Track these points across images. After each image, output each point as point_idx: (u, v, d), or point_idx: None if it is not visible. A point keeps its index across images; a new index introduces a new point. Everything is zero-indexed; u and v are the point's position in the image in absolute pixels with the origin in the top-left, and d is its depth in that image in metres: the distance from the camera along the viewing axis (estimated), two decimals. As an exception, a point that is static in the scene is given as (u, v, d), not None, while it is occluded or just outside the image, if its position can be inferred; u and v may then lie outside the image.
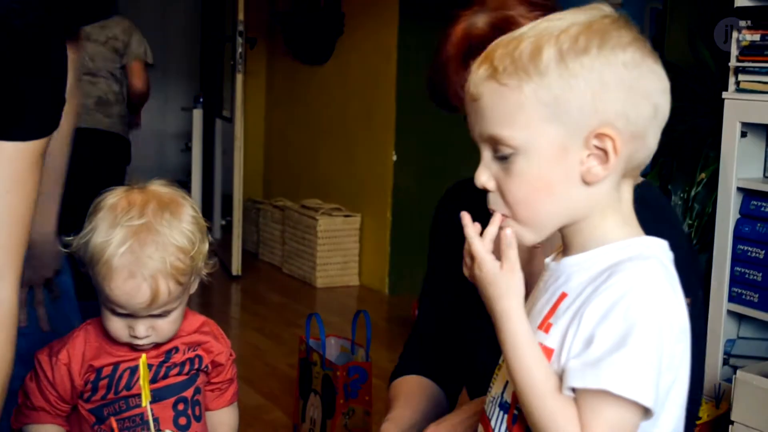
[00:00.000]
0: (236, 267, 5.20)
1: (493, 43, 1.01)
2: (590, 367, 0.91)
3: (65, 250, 1.38)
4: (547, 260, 1.04)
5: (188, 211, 1.37)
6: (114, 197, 1.36)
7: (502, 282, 0.98)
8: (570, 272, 1.00)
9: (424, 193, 4.93)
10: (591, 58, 0.95)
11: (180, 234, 1.34)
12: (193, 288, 1.41)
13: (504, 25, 1.30)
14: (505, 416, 1.03)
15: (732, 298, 2.85)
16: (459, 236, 1.49)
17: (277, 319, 4.52)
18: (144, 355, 1.27)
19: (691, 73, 3.23)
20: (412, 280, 4.82)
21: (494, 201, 1.01)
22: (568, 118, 0.95)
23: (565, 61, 0.95)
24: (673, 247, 1.31)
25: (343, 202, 5.24)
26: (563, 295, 0.99)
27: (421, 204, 4.92)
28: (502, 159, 0.98)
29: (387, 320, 4.48)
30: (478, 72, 1.00)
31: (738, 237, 2.84)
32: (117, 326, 1.36)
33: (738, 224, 2.85)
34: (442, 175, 4.92)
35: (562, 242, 1.03)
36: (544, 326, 0.99)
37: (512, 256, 0.98)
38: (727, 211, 2.84)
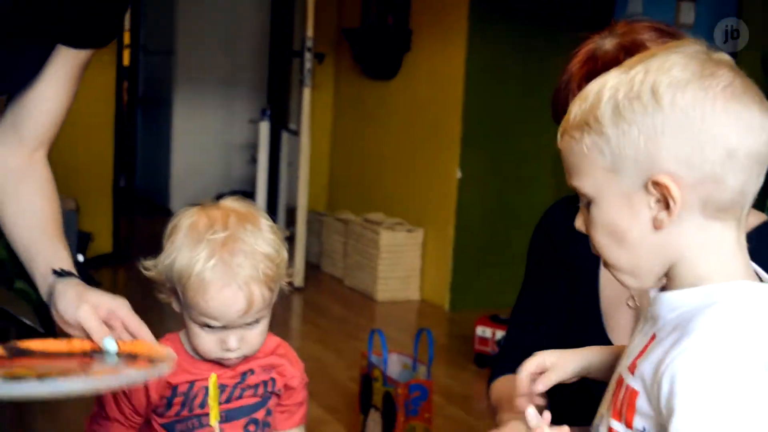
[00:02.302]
0: (299, 278, 5.25)
1: (575, 98, 1.02)
2: None
3: (148, 274, 1.41)
4: (652, 292, 1.03)
5: (266, 222, 1.41)
6: (190, 216, 1.39)
7: None
8: (660, 312, 0.99)
9: (487, 210, 4.93)
10: (643, 104, 0.94)
11: (264, 243, 1.37)
12: (274, 299, 1.43)
13: (633, 48, 1.32)
14: None
15: None
16: (557, 251, 1.50)
17: (338, 332, 4.55)
18: (214, 375, 1.29)
19: (765, 93, 3.18)
20: (473, 297, 4.82)
21: (591, 246, 1.04)
22: (626, 166, 0.95)
23: (619, 109, 0.95)
24: None
25: (406, 217, 5.26)
26: (653, 338, 0.99)
27: (483, 221, 4.93)
28: (587, 206, 1.01)
29: (447, 337, 4.48)
30: (561, 126, 1.03)
31: None
32: (208, 341, 1.38)
33: None
34: (505, 194, 4.94)
35: (666, 279, 1.01)
36: (632, 367, 1.00)
37: None
38: None
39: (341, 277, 5.47)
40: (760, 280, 0.99)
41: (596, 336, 1.46)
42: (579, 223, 1.04)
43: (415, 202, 5.22)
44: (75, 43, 1.43)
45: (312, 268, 5.59)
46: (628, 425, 0.99)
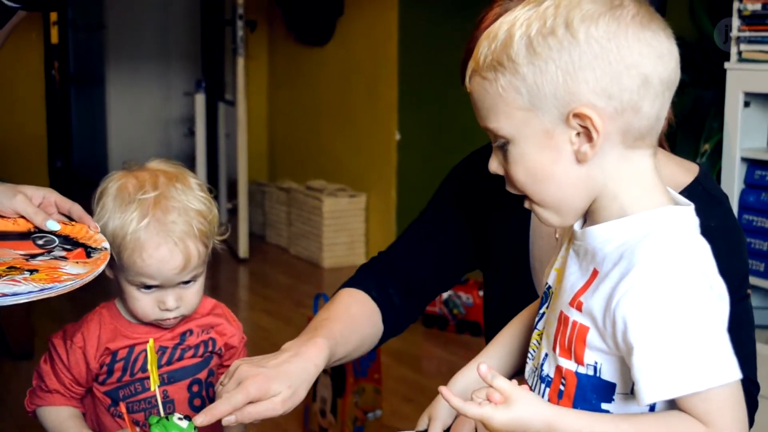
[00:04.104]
0: (243, 250, 5.22)
1: (482, 36, 1.01)
2: (664, 377, 0.90)
3: None
4: (576, 227, 1.03)
5: (194, 180, 1.41)
6: (118, 180, 1.38)
7: (511, 414, 0.95)
8: (595, 245, 0.98)
9: (428, 171, 4.93)
10: (558, 39, 0.93)
11: (195, 200, 1.37)
12: (208, 256, 1.42)
13: None
14: (547, 389, 1.04)
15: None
16: (469, 192, 1.49)
17: (286, 301, 4.54)
18: (151, 340, 1.29)
19: (693, 44, 3.22)
20: (418, 259, 4.83)
21: (508, 185, 1.03)
22: (545, 103, 0.95)
23: (533, 46, 0.94)
24: (732, 234, 1.28)
25: (348, 182, 5.25)
26: (595, 273, 0.98)
27: (425, 182, 4.92)
28: (502, 148, 1.00)
29: (395, 299, 4.50)
30: (469, 67, 1.02)
31: (743, 207, 2.84)
32: (145, 304, 1.37)
33: (743, 194, 2.86)
34: (445, 153, 4.93)
35: (587, 213, 1.02)
36: (575, 303, 0.99)
37: (500, 384, 0.96)
38: (732, 182, 2.84)
39: (286, 247, 5.46)
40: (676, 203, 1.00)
41: (524, 284, 1.45)
42: (494, 166, 1.03)
43: (356, 166, 5.21)
44: (30, 6, 1.43)
45: (256, 239, 5.56)
46: (579, 362, 0.99)
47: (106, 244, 1.30)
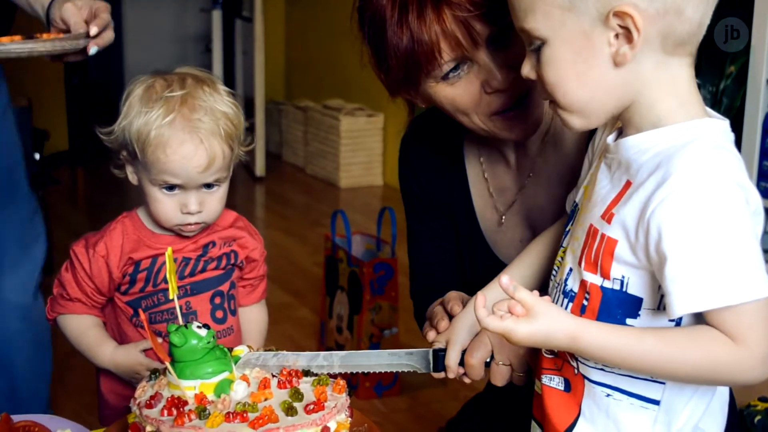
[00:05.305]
0: (260, 168, 5.22)
1: None
2: (697, 289, 0.89)
3: (105, 140, 1.38)
4: (609, 139, 1.02)
5: (223, 87, 1.40)
6: (146, 81, 1.38)
7: (533, 327, 0.95)
8: (630, 156, 0.97)
9: (447, 91, 4.88)
10: None
11: (222, 103, 1.36)
12: (231, 169, 1.41)
13: None
14: (570, 304, 1.03)
15: (759, 193, 2.82)
16: (429, 179, 1.46)
17: (302, 219, 4.55)
18: (170, 248, 1.29)
19: None
20: (435, 180, 4.82)
21: (540, 90, 1.02)
22: (584, 1, 0.93)
23: None
24: None
25: (365, 102, 5.21)
26: (628, 184, 0.97)
27: (444, 103, 4.89)
28: (536, 50, 0.99)
29: (411, 219, 4.50)
30: None
31: (767, 131, 2.81)
32: (167, 206, 1.37)
33: (767, 118, 2.82)
34: (465, 74, 4.89)
35: (621, 123, 1.00)
36: (607, 216, 0.98)
37: (523, 296, 0.95)
38: (756, 105, 2.79)
39: (303, 166, 5.45)
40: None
41: (485, 256, 1.44)
42: (526, 70, 1.01)
43: (374, 86, 5.12)
44: None
45: (273, 158, 5.56)
46: (605, 276, 0.98)
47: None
